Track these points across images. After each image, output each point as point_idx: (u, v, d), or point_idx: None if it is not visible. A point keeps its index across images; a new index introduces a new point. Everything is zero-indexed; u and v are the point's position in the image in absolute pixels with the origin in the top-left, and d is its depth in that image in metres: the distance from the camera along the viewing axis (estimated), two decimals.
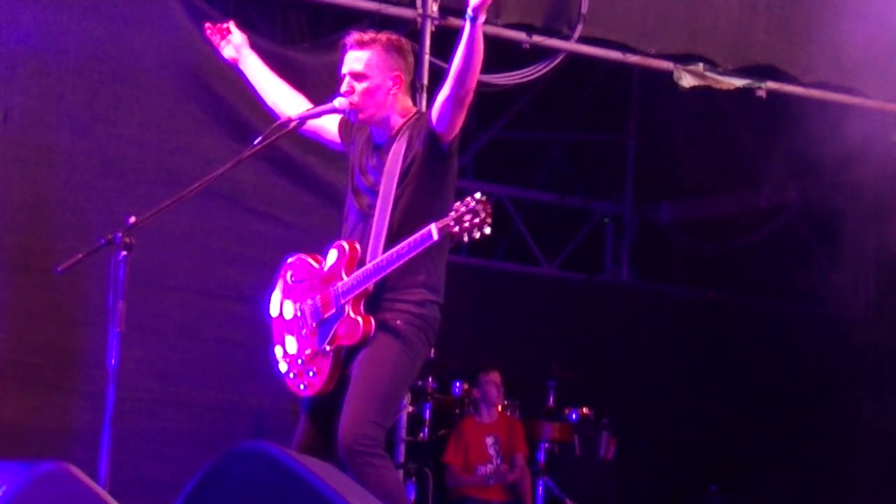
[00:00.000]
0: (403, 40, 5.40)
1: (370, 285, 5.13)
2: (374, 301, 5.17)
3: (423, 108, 7.52)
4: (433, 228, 4.91)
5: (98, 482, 4.93)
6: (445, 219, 4.90)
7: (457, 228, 4.87)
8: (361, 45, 5.27)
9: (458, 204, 4.91)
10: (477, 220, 4.87)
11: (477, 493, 9.07)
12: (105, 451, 5.07)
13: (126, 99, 7.18)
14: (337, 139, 5.53)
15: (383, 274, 5.09)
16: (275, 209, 7.47)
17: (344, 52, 5.33)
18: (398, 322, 5.15)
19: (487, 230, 4.88)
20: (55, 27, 7.02)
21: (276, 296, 5.45)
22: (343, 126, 5.50)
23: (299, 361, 5.27)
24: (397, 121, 5.32)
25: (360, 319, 5.12)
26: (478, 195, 4.92)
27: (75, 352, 6.88)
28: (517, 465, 9.14)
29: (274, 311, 5.45)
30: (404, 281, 5.18)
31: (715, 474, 10.84)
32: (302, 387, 5.27)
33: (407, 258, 5.03)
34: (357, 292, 5.13)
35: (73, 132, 7.04)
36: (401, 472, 8.09)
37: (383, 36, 5.33)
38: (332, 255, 5.27)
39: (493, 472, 9.08)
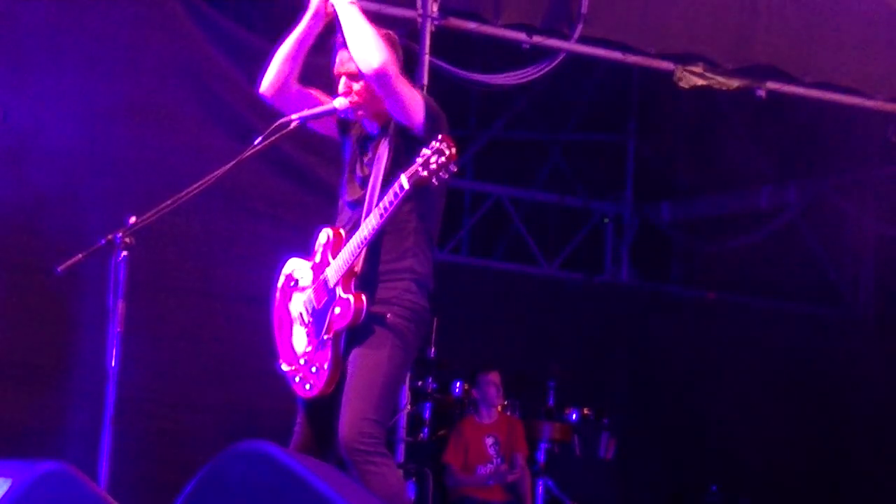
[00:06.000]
0: (391, 33, 5.38)
1: (357, 263, 5.13)
2: (364, 292, 5.15)
3: None
4: (403, 178, 4.91)
5: (98, 482, 4.93)
6: (413, 166, 4.90)
7: (425, 172, 4.86)
8: None
9: (423, 150, 4.90)
10: (443, 159, 4.86)
11: (477, 493, 9.07)
12: (105, 451, 5.06)
13: (126, 99, 7.18)
14: (333, 130, 5.51)
15: (367, 243, 5.09)
16: (275, 209, 7.47)
17: (335, 51, 5.31)
18: (388, 316, 5.13)
19: (454, 167, 4.89)
20: (55, 27, 7.03)
21: (278, 306, 5.44)
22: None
23: (302, 361, 5.27)
24: (388, 114, 5.29)
25: (350, 298, 5.11)
26: (440, 136, 4.92)
27: (75, 352, 6.88)
28: (517, 465, 9.13)
29: (277, 323, 5.44)
30: (392, 270, 5.17)
31: (715, 474, 10.84)
32: (307, 387, 5.26)
33: (386, 217, 5.01)
34: (345, 271, 5.13)
35: (73, 132, 7.05)
36: (401, 472, 8.09)
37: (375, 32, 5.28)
38: (321, 240, 5.28)
39: (493, 472, 9.08)
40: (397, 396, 5.44)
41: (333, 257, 5.20)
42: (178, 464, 6.90)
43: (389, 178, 5.13)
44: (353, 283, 5.15)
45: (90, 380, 6.61)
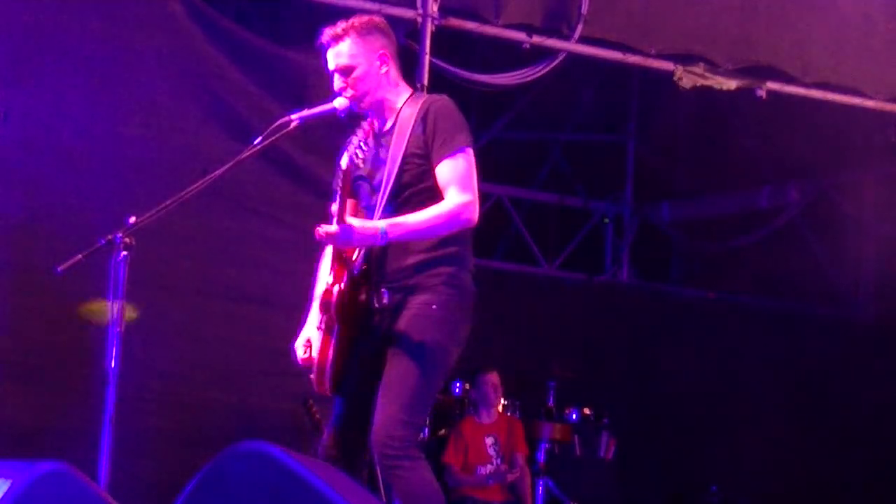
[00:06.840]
0: (376, 18, 5.29)
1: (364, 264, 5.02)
2: (405, 285, 5.02)
3: None
4: None
5: (98, 482, 4.93)
6: None
7: None
8: (337, 38, 5.14)
9: None
10: None
11: (477, 494, 9.07)
12: (105, 451, 5.06)
13: (126, 99, 7.18)
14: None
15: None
16: (275, 209, 7.47)
17: (324, 53, 5.25)
18: (433, 307, 5.01)
19: None
20: (55, 27, 7.02)
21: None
22: None
23: (317, 362, 5.21)
24: (395, 101, 5.20)
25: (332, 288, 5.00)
26: None
27: (75, 352, 6.88)
28: (517, 466, 9.13)
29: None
30: (434, 259, 5.04)
31: (715, 474, 10.84)
32: (320, 384, 5.20)
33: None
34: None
35: (73, 132, 7.04)
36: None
37: (354, 21, 5.18)
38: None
39: (493, 473, 9.08)
40: (436, 392, 5.24)
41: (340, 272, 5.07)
42: (178, 464, 6.89)
43: (402, 168, 5.03)
44: (345, 275, 5.02)
45: (90, 380, 6.61)
